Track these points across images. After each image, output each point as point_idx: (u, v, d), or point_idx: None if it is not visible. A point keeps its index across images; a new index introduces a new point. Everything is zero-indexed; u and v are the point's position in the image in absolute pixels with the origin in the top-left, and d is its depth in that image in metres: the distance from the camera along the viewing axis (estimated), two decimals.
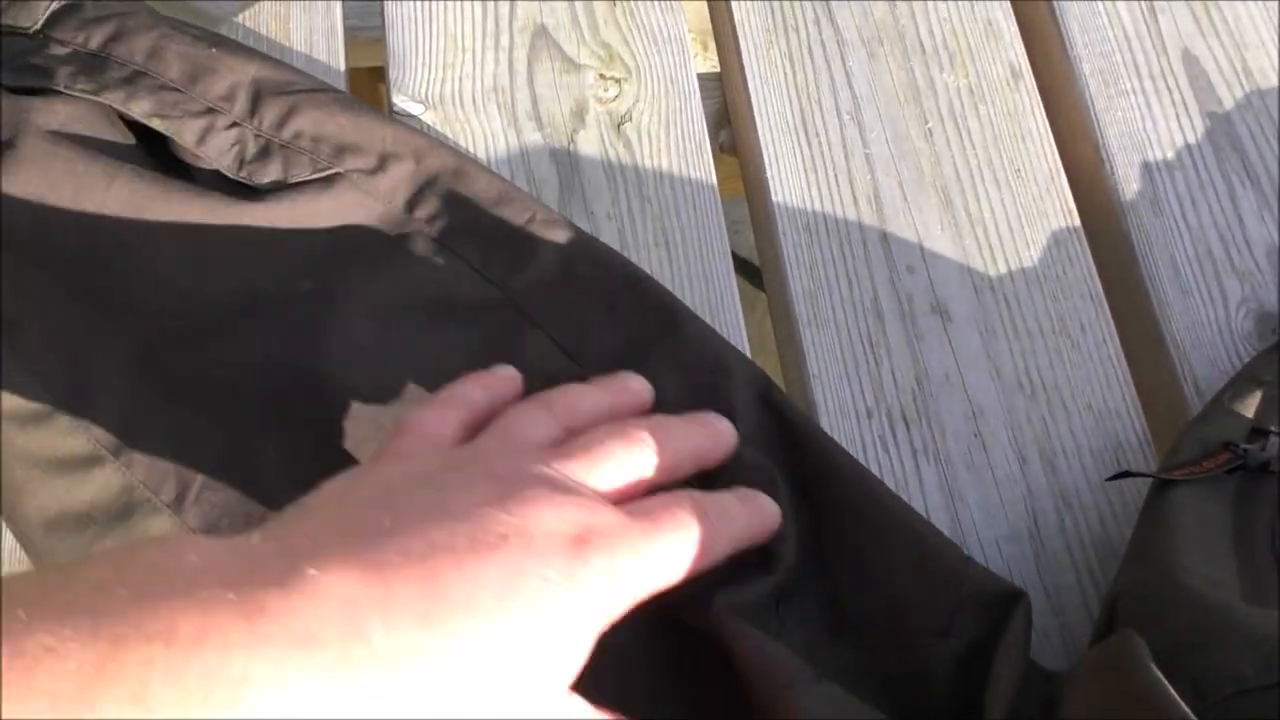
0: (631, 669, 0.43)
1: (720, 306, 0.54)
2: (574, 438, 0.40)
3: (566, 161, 0.56)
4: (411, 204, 0.49)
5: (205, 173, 0.48)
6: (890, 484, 0.51)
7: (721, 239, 0.55)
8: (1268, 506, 0.43)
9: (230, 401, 0.45)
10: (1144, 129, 0.61)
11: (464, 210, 0.50)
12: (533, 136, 0.56)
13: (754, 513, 0.43)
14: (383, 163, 0.49)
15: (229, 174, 0.47)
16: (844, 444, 0.51)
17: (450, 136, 0.56)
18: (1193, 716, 0.31)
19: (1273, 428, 0.47)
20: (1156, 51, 0.63)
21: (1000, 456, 0.52)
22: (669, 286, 0.54)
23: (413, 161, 0.49)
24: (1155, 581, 0.40)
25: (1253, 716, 0.33)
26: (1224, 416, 0.48)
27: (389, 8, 0.59)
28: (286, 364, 0.47)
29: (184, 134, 0.47)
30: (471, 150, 0.56)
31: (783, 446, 0.48)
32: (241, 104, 0.48)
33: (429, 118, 0.56)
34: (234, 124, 0.48)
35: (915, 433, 0.52)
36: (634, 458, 0.39)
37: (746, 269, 1.08)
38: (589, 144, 0.57)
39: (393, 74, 0.57)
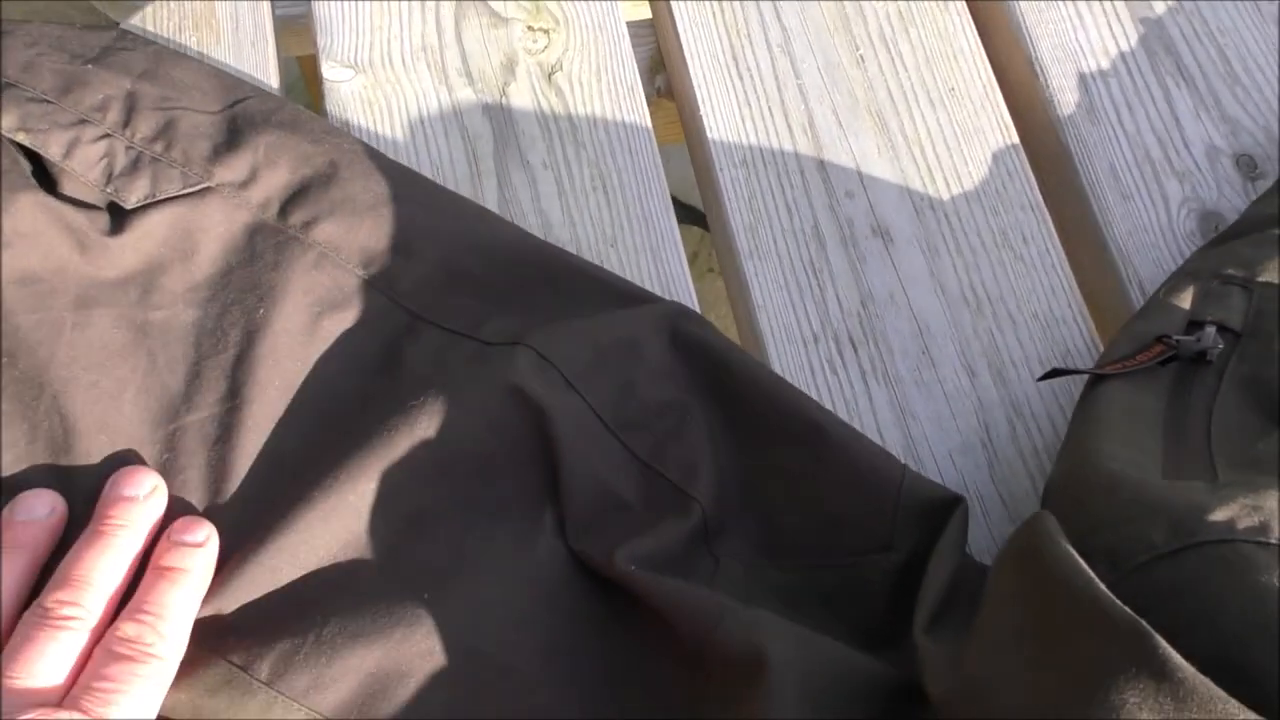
0: (585, 648, 0.44)
1: (660, 245, 0.54)
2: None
3: (500, 114, 0.56)
4: (285, 211, 0.49)
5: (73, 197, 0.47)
6: (840, 406, 0.51)
7: (659, 180, 0.56)
8: (1204, 394, 0.44)
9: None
10: (1076, 39, 0.61)
11: (340, 216, 0.49)
12: (464, 93, 0.57)
13: (180, 583, 0.42)
14: (254, 174, 0.48)
15: (97, 189, 0.47)
16: (792, 370, 0.52)
17: (382, 99, 0.56)
18: (1096, 580, 0.32)
19: (1208, 318, 0.47)
20: None
21: (949, 371, 0.53)
22: (607, 230, 0.54)
23: (287, 171, 0.49)
24: (1078, 469, 0.41)
25: (1162, 580, 0.34)
26: (1160, 312, 0.48)
27: None
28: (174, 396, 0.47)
29: (50, 146, 0.46)
30: (404, 110, 0.56)
31: (700, 377, 0.48)
32: (115, 114, 0.47)
33: (359, 82, 0.56)
34: (104, 135, 0.47)
35: (863, 354, 0.53)
36: (58, 636, 0.40)
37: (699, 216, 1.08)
38: (521, 96, 0.57)
39: (321, 41, 0.57)
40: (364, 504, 0.44)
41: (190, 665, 0.41)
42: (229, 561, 0.43)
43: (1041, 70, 0.60)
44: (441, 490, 0.45)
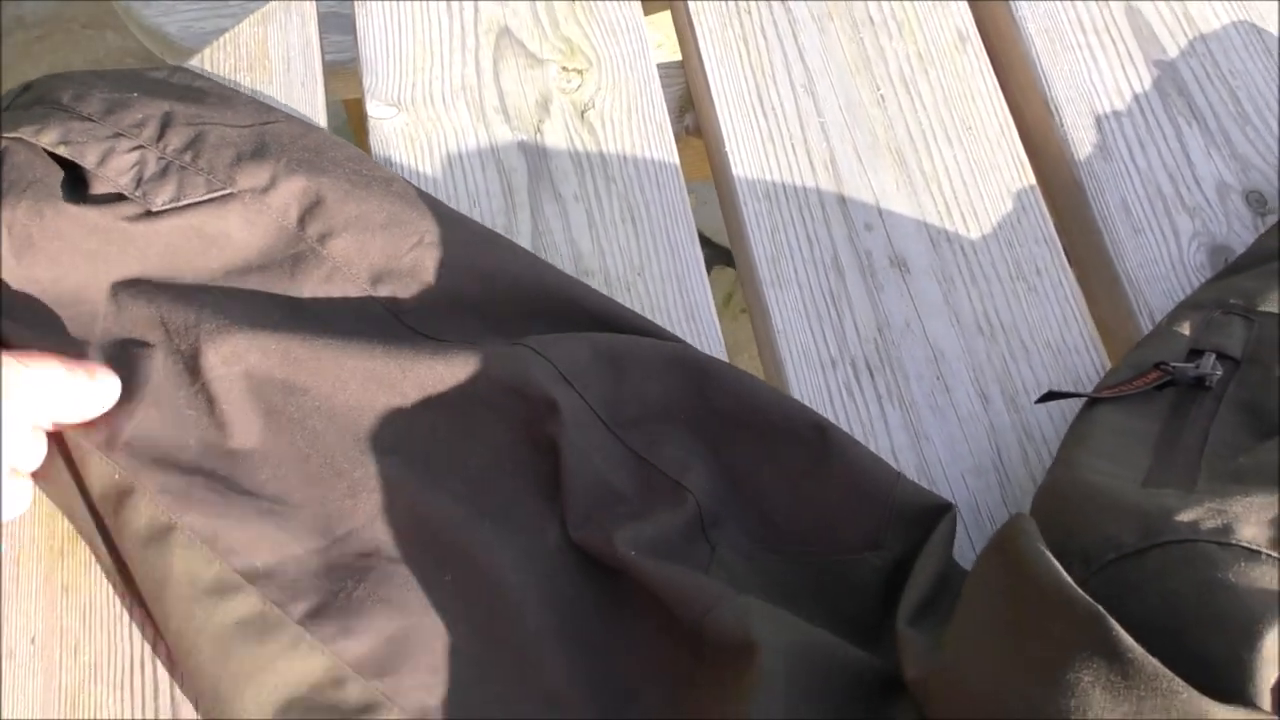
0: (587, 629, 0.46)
1: (686, 274, 0.57)
2: None
3: (534, 150, 0.59)
4: (303, 221, 0.52)
5: (106, 200, 0.50)
6: (856, 428, 0.53)
7: (685, 212, 0.58)
8: (1202, 416, 0.46)
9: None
10: (1090, 81, 0.63)
11: (354, 232, 0.52)
12: (501, 129, 0.60)
13: None
14: (273, 181, 0.52)
15: (127, 193, 0.50)
16: (810, 393, 0.54)
17: (423, 135, 0.59)
18: (1062, 572, 0.34)
19: (1209, 346, 0.49)
20: (1100, 7, 0.65)
21: (963, 396, 0.55)
22: (635, 260, 0.57)
23: (304, 179, 0.52)
24: (1062, 481, 0.43)
25: (1128, 577, 0.36)
26: (1162, 340, 0.50)
27: (360, 20, 0.62)
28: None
29: (86, 156, 0.50)
30: (444, 146, 0.59)
31: (693, 379, 0.50)
32: (150, 130, 0.51)
33: (402, 119, 0.59)
34: (138, 147, 0.51)
35: (879, 379, 0.55)
36: None
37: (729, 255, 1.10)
38: (555, 133, 0.60)
39: (366, 81, 0.61)
40: (392, 484, 0.47)
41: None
42: (271, 514, 0.47)
43: (1056, 109, 0.62)
44: (461, 480, 0.48)
